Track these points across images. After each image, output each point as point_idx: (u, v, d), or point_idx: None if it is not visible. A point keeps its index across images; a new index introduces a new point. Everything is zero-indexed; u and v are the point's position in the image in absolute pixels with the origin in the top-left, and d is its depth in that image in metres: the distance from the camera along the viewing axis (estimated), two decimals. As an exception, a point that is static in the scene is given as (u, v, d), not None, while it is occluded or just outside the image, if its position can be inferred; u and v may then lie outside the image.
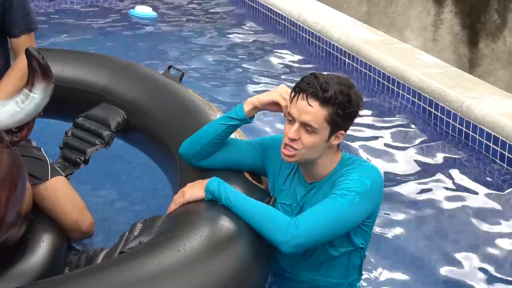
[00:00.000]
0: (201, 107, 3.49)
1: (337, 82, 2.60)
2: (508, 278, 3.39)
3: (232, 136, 3.08)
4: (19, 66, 2.92)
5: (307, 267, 2.82)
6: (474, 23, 9.42)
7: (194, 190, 2.72)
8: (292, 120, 2.61)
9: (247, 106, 2.81)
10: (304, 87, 2.58)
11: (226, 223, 2.59)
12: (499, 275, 3.42)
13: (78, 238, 3.10)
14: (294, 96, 2.62)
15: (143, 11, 7.04)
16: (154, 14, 7.09)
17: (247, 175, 3.00)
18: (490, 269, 3.46)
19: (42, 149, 3.15)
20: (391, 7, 9.53)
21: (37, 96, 2.43)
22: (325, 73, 2.73)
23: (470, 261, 3.52)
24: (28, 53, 2.38)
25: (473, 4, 9.23)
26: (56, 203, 2.94)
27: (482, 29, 9.48)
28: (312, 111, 2.55)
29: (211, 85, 5.53)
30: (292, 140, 2.59)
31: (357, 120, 4.88)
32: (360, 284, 3.00)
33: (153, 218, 2.81)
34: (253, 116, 2.87)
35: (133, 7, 7.16)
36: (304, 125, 2.57)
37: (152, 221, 2.77)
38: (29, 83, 2.40)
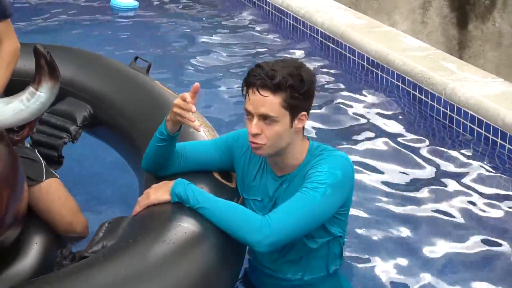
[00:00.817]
0: (168, 99, 3.43)
1: (284, 66, 2.59)
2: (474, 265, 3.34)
3: (201, 129, 3.07)
4: (3, 55, 2.92)
5: (288, 262, 2.81)
6: (463, 5, 9.39)
7: (160, 193, 2.67)
8: (250, 116, 2.60)
9: (167, 123, 2.72)
10: (252, 80, 2.57)
11: (192, 227, 2.55)
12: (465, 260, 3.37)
13: (72, 239, 3.07)
14: (245, 91, 2.62)
15: (124, 1, 7.01)
16: (135, 3, 7.04)
17: (215, 175, 2.95)
18: (462, 251, 3.42)
19: (36, 150, 3.13)
20: (378, -9, 9.54)
21: (43, 95, 2.42)
22: (272, 60, 2.71)
23: (450, 245, 3.47)
24: (36, 50, 2.37)
25: (463, -16, 9.24)
26: (50, 205, 2.93)
27: (471, 11, 9.45)
28: (266, 101, 2.53)
29: (186, 75, 5.50)
30: (255, 135, 2.57)
31: (343, 105, 4.91)
32: (340, 268, 2.98)
33: (118, 219, 2.77)
34: (179, 130, 2.76)
35: None
36: (263, 117, 2.55)
37: (117, 222, 2.74)
38: (36, 82, 2.40)
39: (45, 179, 2.98)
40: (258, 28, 6.67)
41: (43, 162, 3.07)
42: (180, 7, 7.33)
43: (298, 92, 2.56)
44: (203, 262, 2.49)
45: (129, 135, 3.42)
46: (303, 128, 2.70)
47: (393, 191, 3.97)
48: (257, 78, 2.53)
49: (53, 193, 2.98)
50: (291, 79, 2.53)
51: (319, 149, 2.73)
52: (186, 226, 2.54)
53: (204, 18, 6.94)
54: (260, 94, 2.52)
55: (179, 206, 2.60)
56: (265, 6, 6.88)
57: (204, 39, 6.39)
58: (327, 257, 2.81)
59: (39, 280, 2.38)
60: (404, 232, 3.57)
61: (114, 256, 2.38)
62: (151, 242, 2.44)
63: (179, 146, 2.89)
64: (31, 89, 2.39)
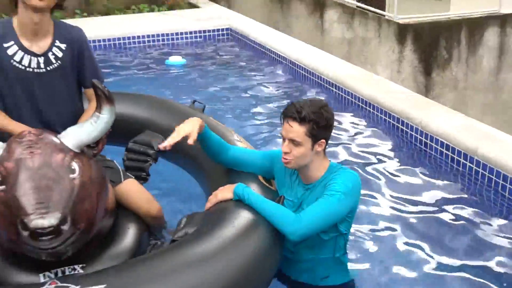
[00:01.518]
0: (220, 130, 3.40)
1: (310, 105, 2.66)
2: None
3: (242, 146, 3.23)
4: (92, 106, 2.91)
5: (305, 247, 2.82)
6: (428, 58, 9.42)
7: (225, 193, 2.76)
8: (283, 139, 2.71)
9: None
10: (286, 113, 2.67)
11: (248, 217, 2.66)
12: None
13: (153, 223, 3.06)
14: (282, 121, 2.71)
15: (175, 60, 7.02)
16: (184, 61, 7.05)
17: (261, 180, 3.03)
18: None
19: (114, 161, 3.15)
20: (365, 48, 9.51)
21: (105, 116, 2.50)
22: (304, 99, 2.86)
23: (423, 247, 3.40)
24: (93, 84, 2.46)
25: (427, 43, 9.23)
26: (129, 198, 2.93)
27: (434, 62, 9.48)
28: (294, 130, 2.63)
29: (229, 115, 5.43)
30: (285, 153, 2.69)
31: (342, 132, 4.91)
32: (346, 256, 3.02)
33: (194, 213, 2.85)
34: (202, 134, 2.88)
35: (168, 58, 7.18)
36: (292, 141, 2.65)
37: (193, 215, 2.81)
38: (98, 107, 2.48)
39: (123, 180, 2.98)
40: (283, 79, 6.63)
41: (120, 168, 3.09)
42: (219, 62, 7.27)
43: (318, 125, 2.65)
44: (256, 240, 2.60)
45: (194, 157, 3.45)
46: (324, 150, 2.77)
47: (385, 199, 3.94)
48: (289, 112, 2.66)
49: (130, 189, 2.97)
50: (314, 115, 2.62)
51: (337, 167, 2.81)
52: (245, 216, 2.66)
53: (240, 71, 6.88)
54: (289, 124, 2.64)
55: (239, 202, 2.72)
56: (290, 65, 6.85)
57: (240, 84, 6.37)
58: (334, 247, 2.85)
59: (144, 258, 2.49)
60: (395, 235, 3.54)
61: (198, 238, 2.50)
62: (222, 228, 2.56)
63: (235, 149, 3.08)
64: (96, 113, 2.47)
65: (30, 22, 2.78)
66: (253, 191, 2.76)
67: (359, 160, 4.51)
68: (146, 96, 3.90)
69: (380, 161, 4.52)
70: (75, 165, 2.37)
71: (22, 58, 2.83)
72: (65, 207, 2.23)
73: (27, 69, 2.84)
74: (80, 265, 2.49)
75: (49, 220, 2.15)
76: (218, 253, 2.44)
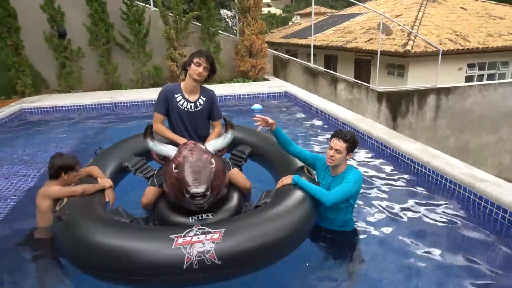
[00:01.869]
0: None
1: (349, 133, 2.71)
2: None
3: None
4: (216, 132, 2.95)
5: (329, 210, 2.76)
6: (395, 111, 9.26)
7: (287, 180, 2.70)
8: (330, 148, 2.71)
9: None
10: (335, 134, 2.70)
11: (302, 193, 2.61)
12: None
13: (246, 192, 2.91)
14: (331, 138, 2.71)
15: (256, 106, 6.88)
16: (260, 106, 6.91)
17: (306, 172, 2.88)
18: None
19: (227, 158, 3.03)
20: (359, 104, 9.37)
21: (229, 136, 2.58)
22: (344, 130, 2.77)
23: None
24: (225, 118, 2.59)
25: (394, 103, 9.07)
26: (235, 178, 2.82)
27: (398, 113, 9.32)
28: (340, 144, 2.66)
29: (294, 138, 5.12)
30: (331, 156, 2.69)
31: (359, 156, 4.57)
32: (352, 217, 2.91)
33: (269, 190, 2.73)
34: (275, 131, 2.88)
35: (252, 104, 7.04)
36: (336, 150, 2.67)
37: (269, 192, 2.71)
38: (225, 131, 2.60)
39: (232, 168, 2.90)
40: (315, 120, 6.32)
41: (230, 162, 2.99)
42: (280, 109, 7.03)
43: (352, 145, 2.69)
44: (305, 206, 2.53)
45: (269, 159, 3.31)
46: (347, 159, 2.74)
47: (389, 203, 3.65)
48: (338, 134, 2.70)
49: (235, 174, 2.87)
50: (351, 139, 2.68)
51: (351, 168, 2.76)
52: (299, 193, 2.60)
53: (292, 116, 6.57)
54: (338, 141, 2.68)
55: (295, 186, 2.67)
56: (320, 112, 6.51)
57: (293, 123, 6.03)
58: (346, 211, 2.79)
59: (243, 215, 2.41)
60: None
61: (272, 205, 2.45)
62: (287, 199, 2.51)
63: (295, 146, 2.97)
64: (224, 134, 2.59)
65: (190, 86, 2.88)
66: (303, 179, 2.69)
67: (359, 167, 4.25)
68: (243, 126, 3.77)
69: (373, 167, 4.27)
70: (213, 161, 2.42)
71: (183, 103, 2.89)
72: (207, 182, 2.29)
73: (185, 109, 2.89)
74: (211, 214, 2.48)
75: (200, 189, 2.24)
76: (284, 213, 2.39)
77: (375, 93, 9.03)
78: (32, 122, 6.35)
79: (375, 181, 3.91)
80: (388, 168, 4.20)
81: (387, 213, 3.24)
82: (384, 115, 9.04)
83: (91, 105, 7.24)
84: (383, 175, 4.03)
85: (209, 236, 2.10)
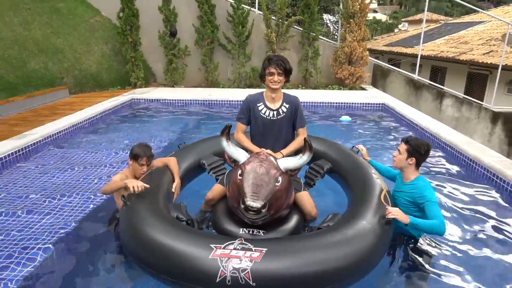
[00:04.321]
0: (365, 165, 3.04)
1: (416, 139, 2.73)
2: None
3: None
4: (298, 140, 2.85)
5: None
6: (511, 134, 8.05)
7: (404, 220, 2.42)
8: (397, 151, 2.77)
9: None
10: (403, 139, 2.78)
11: (369, 225, 2.30)
12: None
13: (309, 219, 2.78)
14: (400, 142, 2.77)
15: (345, 118, 6.60)
16: (349, 118, 6.61)
17: (382, 200, 2.60)
18: None
19: (300, 180, 2.90)
20: (467, 124, 8.41)
21: (305, 158, 2.43)
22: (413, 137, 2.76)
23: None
24: (305, 139, 2.43)
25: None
26: (302, 202, 2.69)
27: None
28: (402, 145, 2.75)
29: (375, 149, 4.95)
30: (394, 156, 2.78)
31: (451, 175, 4.10)
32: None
33: (334, 214, 2.54)
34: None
35: (341, 116, 6.76)
36: (399, 150, 2.75)
37: (334, 215, 2.52)
38: (303, 151, 2.43)
39: (302, 191, 2.76)
40: (395, 134, 5.70)
41: (302, 182, 2.86)
42: (374, 123, 6.64)
43: (412, 148, 2.71)
44: (369, 239, 2.23)
45: (345, 177, 3.10)
46: (416, 166, 2.72)
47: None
48: (404, 139, 2.76)
49: (304, 197, 2.74)
50: (413, 143, 2.72)
51: (423, 180, 2.69)
52: (366, 224, 2.31)
53: (388, 130, 6.19)
54: (402, 143, 2.76)
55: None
56: (419, 129, 6.01)
57: (388, 136, 5.75)
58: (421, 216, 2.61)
59: (293, 236, 2.25)
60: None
61: (329, 231, 2.22)
62: (349, 227, 2.26)
63: (374, 163, 3.18)
64: (300, 155, 2.43)
65: (270, 94, 2.86)
66: (418, 219, 2.45)
67: (463, 204, 3.60)
68: (325, 139, 3.59)
69: (480, 203, 3.58)
70: (279, 179, 2.31)
71: (265, 112, 2.86)
72: (266, 199, 2.19)
73: (267, 117, 2.85)
74: (262, 231, 2.37)
75: (256, 204, 2.15)
76: (338, 243, 2.13)
77: (489, 113, 7.99)
78: (139, 111, 6.99)
79: (485, 219, 3.26)
80: (500, 205, 3.54)
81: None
82: (498, 138, 7.92)
83: (191, 100, 7.55)
84: (493, 213, 3.37)
85: (248, 253, 1.97)
